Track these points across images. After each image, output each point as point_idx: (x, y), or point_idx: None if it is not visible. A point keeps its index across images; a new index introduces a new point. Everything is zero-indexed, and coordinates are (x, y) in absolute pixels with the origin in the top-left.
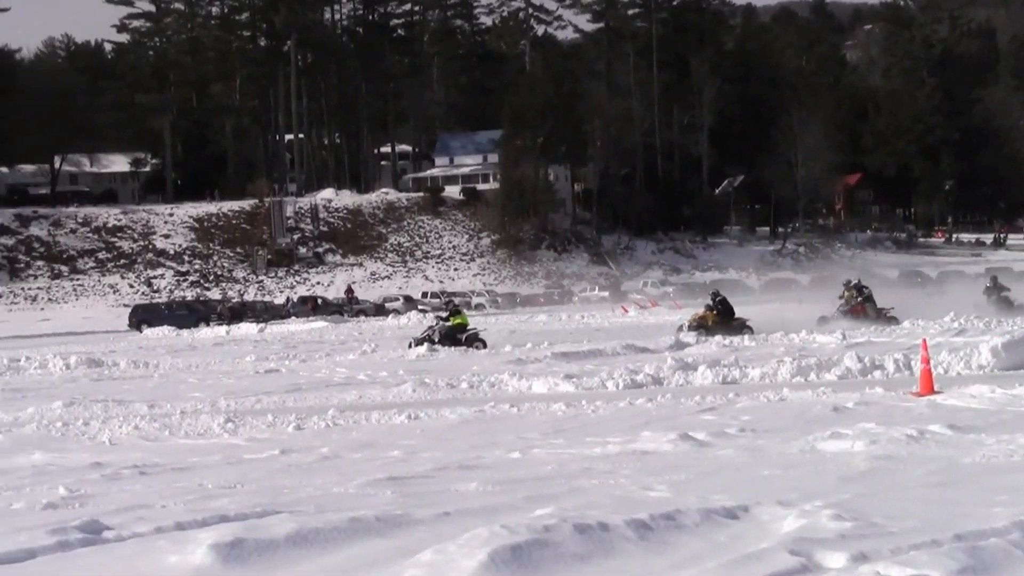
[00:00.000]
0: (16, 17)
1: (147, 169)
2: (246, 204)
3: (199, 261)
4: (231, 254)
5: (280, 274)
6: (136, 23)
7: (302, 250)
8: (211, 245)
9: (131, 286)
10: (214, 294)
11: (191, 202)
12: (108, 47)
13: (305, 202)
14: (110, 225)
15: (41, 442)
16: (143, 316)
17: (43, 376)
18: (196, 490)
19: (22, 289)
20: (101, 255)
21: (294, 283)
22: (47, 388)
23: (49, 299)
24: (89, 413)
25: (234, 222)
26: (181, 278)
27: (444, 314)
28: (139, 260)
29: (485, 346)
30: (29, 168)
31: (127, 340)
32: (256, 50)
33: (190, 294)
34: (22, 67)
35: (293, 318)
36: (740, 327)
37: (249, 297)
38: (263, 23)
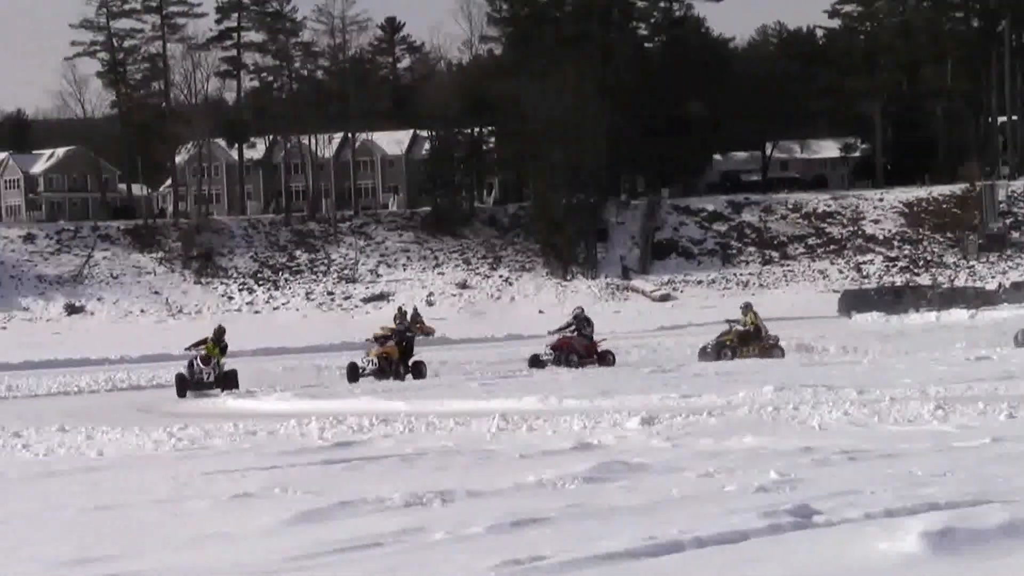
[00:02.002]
0: (730, 7)
1: (856, 154)
2: (956, 188)
3: (908, 246)
4: (941, 239)
5: (991, 259)
6: (847, 8)
7: (1015, 234)
8: (920, 230)
9: (840, 272)
10: (923, 279)
11: (900, 187)
12: (819, 33)
13: (1018, 185)
14: (820, 211)
15: (752, 426)
16: (852, 302)
17: (752, 362)
18: (905, 477)
19: (733, 275)
20: (811, 241)
21: (1006, 268)
22: (759, 372)
23: (759, 284)
24: (799, 398)
25: (944, 206)
26: (890, 263)
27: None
28: (848, 245)
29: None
30: (741, 155)
31: (836, 325)
32: (969, 31)
33: (899, 279)
34: (735, 56)
35: (1005, 304)
36: (417, 369)
37: (959, 282)
38: (976, 3)
